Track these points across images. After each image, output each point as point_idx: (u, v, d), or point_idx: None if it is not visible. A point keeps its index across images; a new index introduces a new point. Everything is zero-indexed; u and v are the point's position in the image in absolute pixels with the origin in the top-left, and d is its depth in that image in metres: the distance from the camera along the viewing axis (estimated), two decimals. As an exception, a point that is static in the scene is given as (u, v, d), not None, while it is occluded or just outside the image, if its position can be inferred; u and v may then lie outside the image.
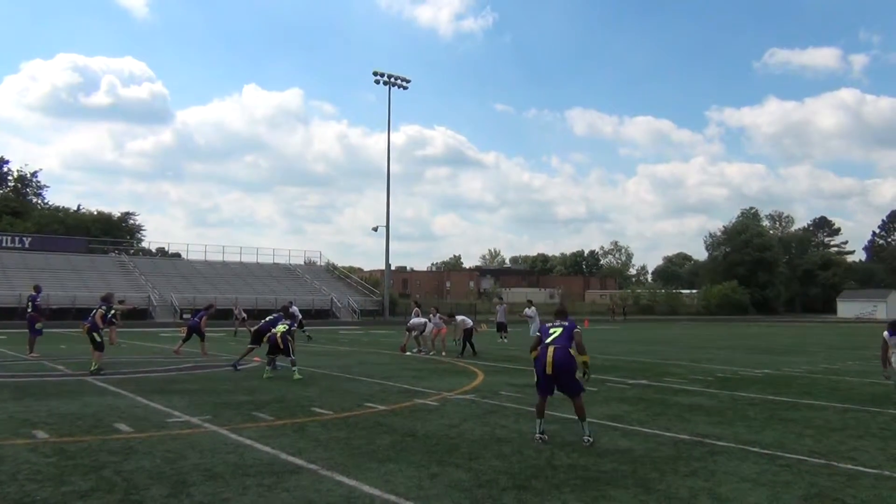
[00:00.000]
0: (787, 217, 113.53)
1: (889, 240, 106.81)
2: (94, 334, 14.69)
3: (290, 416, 9.40)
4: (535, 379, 7.95)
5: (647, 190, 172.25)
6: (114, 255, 58.60)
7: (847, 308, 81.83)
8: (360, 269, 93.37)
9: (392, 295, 59.63)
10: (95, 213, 74.99)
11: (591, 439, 7.72)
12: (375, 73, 54.85)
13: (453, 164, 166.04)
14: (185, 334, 19.45)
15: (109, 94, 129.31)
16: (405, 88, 56.21)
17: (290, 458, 6.88)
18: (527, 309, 26.89)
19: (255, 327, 16.31)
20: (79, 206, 78.04)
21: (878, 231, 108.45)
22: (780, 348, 25.98)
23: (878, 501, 5.77)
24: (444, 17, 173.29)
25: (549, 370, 7.69)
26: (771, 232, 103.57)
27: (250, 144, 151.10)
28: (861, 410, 10.66)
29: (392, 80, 55.20)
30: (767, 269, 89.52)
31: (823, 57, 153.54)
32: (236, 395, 11.30)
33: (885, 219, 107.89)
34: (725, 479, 6.38)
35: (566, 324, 8.09)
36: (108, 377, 13.57)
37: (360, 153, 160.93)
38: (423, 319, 21.28)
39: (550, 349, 7.76)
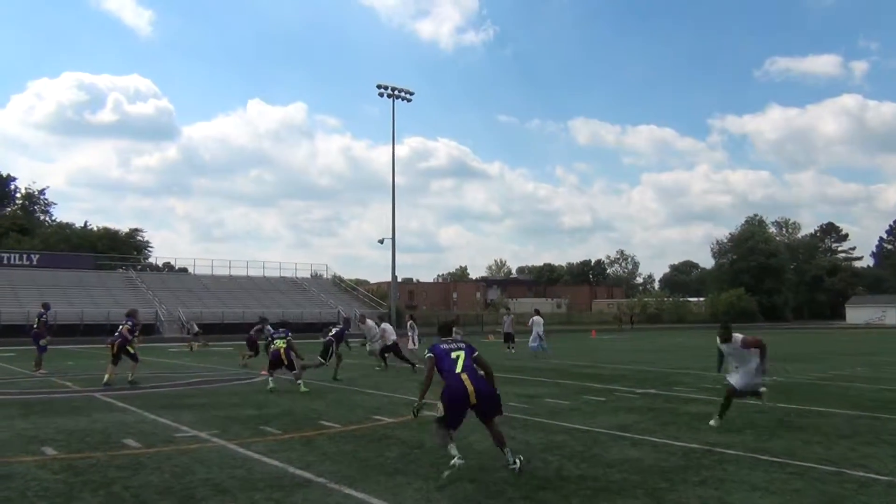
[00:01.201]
0: (794, 223, 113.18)
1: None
2: (128, 348, 15.17)
3: (297, 429, 9.40)
4: (443, 414, 6.81)
5: (652, 198, 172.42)
6: (121, 270, 58.81)
7: (856, 314, 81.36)
8: (366, 282, 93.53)
9: (399, 307, 59.61)
10: (102, 229, 75.30)
11: (518, 464, 6.67)
12: (379, 87, 55.01)
13: (458, 175, 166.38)
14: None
15: (115, 112, 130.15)
16: (409, 101, 56.35)
17: (299, 472, 6.87)
18: (533, 317, 26.62)
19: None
20: (86, 222, 78.62)
21: (885, 236, 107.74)
22: (788, 355, 25.82)
23: (890, 509, 5.73)
24: (445, 30, 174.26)
25: (473, 400, 6.78)
26: (777, 239, 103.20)
27: (255, 159, 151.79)
28: (871, 417, 10.60)
29: (396, 92, 55.36)
30: (774, 275, 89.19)
31: (824, 64, 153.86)
32: (244, 410, 11.29)
33: (892, 224, 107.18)
34: (735, 487, 6.34)
35: (464, 345, 7.23)
36: (115, 393, 13.59)
37: (364, 166, 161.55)
38: (377, 330, 20.25)
39: (465, 377, 6.84)
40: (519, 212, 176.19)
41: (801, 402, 12.30)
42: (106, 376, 14.82)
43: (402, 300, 77.11)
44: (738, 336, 9.90)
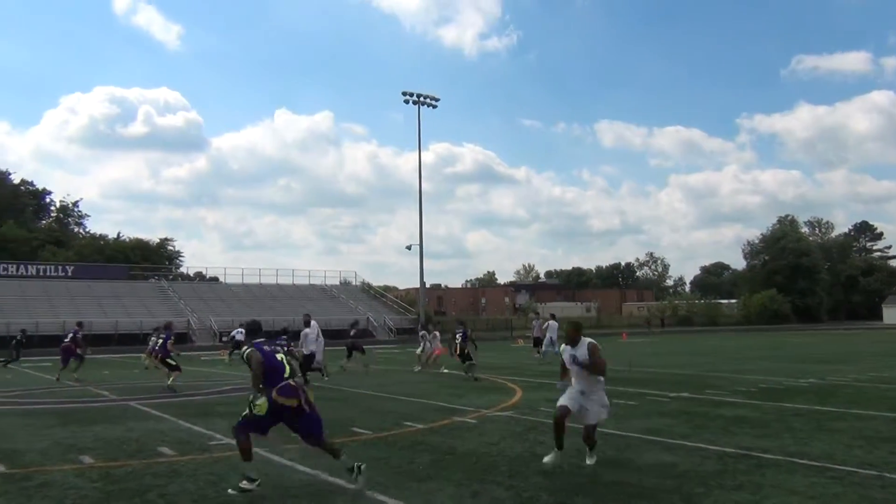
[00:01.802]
0: (827, 223, 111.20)
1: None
2: (168, 360, 16.05)
3: (329, 436, 9.40)
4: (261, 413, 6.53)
5: (680, 200, 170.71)
6: (153, 280, 59.61)
7: (893, 314, 79.73)
8: (395, 288, 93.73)
9: (428, 313, 59.66)
10: (135, 240, 76.42)
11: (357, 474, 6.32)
12: (405, 94, 55.22)
13: (484, 180, 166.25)
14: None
15: (146, 124, 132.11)
16: (434, 107, 56.50)
17: (331, 479, 6.89)
18: (549, 322, 26.24)
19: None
20: (118, 233, 79.68)
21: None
22: (824, 357, 25.39)
23: (934, 513, 5.59)
24: (468, 37, 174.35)
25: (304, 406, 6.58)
26: (811, 238, 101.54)
27: (283, 168, 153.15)
28: (912, 419, 10.37)
29: (421, 99, 55.54)
30: (807, 276, 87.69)
31: (853, 61, 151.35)
32: (276, 417, 11.35)
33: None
34: (773, 492, 6.24)
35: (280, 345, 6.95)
36: (151, 401, 13.76)
37: (390, 173, 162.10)
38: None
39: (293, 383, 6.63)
40: (546, 216, 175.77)
41: (838, 404, 12.07)
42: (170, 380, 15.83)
43: (430, 306, 77.15)
44: (587, 342, 7.37)
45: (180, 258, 79.21)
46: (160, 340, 16.59)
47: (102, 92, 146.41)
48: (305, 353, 17.37)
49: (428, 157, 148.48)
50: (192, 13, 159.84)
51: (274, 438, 9.24)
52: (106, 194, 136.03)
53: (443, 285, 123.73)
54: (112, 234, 78.65)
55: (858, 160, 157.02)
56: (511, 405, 12.54)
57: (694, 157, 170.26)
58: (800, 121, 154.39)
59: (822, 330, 62.84)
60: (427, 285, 73.43)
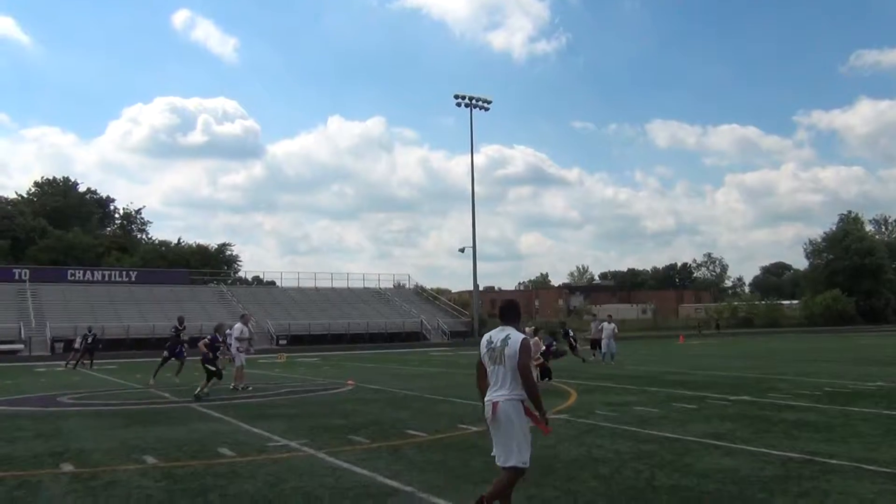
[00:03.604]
0: (894, 221, 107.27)
1: None
2: (208, 365, 15.25)
3: (384, 438, 9.49)
4: None
5: (737, 199, 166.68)
6: (213, 285, 60.92)
7: (966, 315, 76.46)
8: (448, 291, 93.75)
9: (481, 315, 59.60)
10: (195, 245, 78.27)
11: None
12: (457, 97, 55.36)
13: (535, 182, 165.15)
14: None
15: (205, 133, 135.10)
16: (487, 109, 56.52)
17: (387, 481, 6.92)
18: (605, 323, 25.92)
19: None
20: (179, 239, 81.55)
21: None
22: (892, 360, 24.47)
23: None
24: (517, 41, 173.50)
25: None
26: (876, 237, 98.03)
27: (336, 174, 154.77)
28: None
29: (473, 101, 55.61)
30: (872, 276, 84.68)
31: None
32: (332, 419, 11.49)
33: None
34: (841, 500, 6.02)
35: None
36: (211, 403, 14.06)
37: (442, 176, 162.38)
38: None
39: None
40: (599, 217, 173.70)
41: (909, 408, 11.62)
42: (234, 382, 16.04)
43: (484, 308, 77.06)
44: (524, 333, 5.44)
45: (238, 263, 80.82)
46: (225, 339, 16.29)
47: (163, 102, 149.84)
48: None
49: (479, 159, 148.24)
50: (247, 26, 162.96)
51: (331, 440, 9.36)
52: (167, 201, 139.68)
53: (496, 287, 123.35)
54: (173, 240, 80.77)
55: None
56: (566, 408, 12.43)
57: (750, 155, 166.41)
58: (860, 116, 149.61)
59: (890, 331, 60.60)
60: (480, 288, 73.36)
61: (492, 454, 5.29)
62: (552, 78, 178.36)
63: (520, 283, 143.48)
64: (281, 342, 45.90)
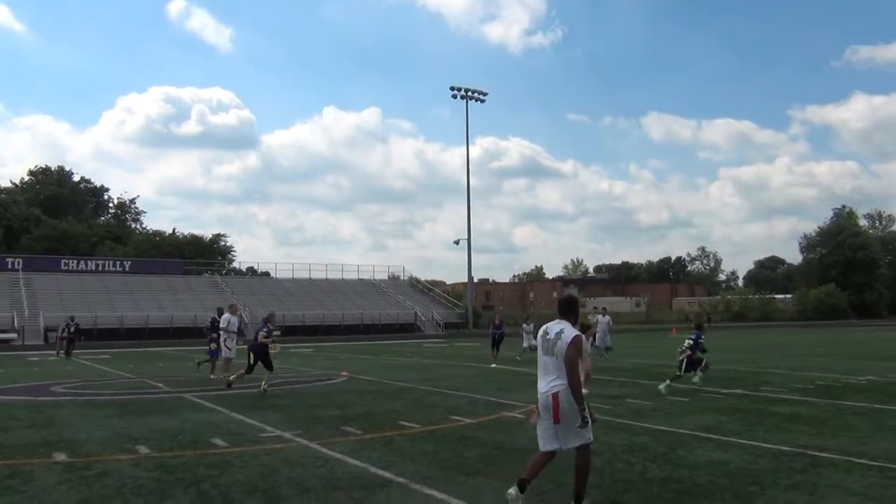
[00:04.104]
0: (888, 216, 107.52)
1: None
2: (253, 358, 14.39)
3: (378, 429, 9.50)
4: None
5: (732, 193, 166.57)
6: (207, 275, 60.82)
7: (958, 309, 76.87)
8: (442, 283, 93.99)
9: (475, 307, 59.69)
10: (189, 235, 78.08)
11: None
12: (453, 88, 55.32)
13: (530, 174, 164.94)
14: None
15: (200, 123, 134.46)
16: (482, 101, 56.48)
17: (380, 472, 6.94)
18: (599, 316, 25.17)
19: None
20: (174, 229, 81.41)
21: None
22: (884, 354, 24.60)
23: None
24: (513, 33, 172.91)
25: None
26: (870, 232, 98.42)
27: (331, 165, 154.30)
28: (979, 419, 9.98)
29: (469, 94, 55.54)
30: (865, 270, 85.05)
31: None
32: (326, 410, 11.51)
33: None
34: (830, 493, 6.07)
35: None
36: (204, 393, 14.06)
37: (437, 168, 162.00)
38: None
39: None
40: (594, 210, 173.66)
41: (900, 402, 11.69)
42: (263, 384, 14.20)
43: (478, 301, 77.17)
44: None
45: (232, 253, 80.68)
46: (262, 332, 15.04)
47: (157, 92, 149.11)
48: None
49: (474, 151, 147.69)
50: (243, 15, 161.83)
51: (324, 431, 9.37)
52: (161, 191, 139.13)
53: (490, 280, 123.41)
54: (168, 231, 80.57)
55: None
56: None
57: (745, 149, 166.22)
58: (855, 111, 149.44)
59: (883, 326, 60.90)
60: (475, 280, 73.43)
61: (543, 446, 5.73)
62: (548, 70, 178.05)
63: (514, 276, 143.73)
64: (275, 333, 45.83)
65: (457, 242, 57.88)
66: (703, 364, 13.91)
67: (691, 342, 13.84)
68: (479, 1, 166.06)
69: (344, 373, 18.44)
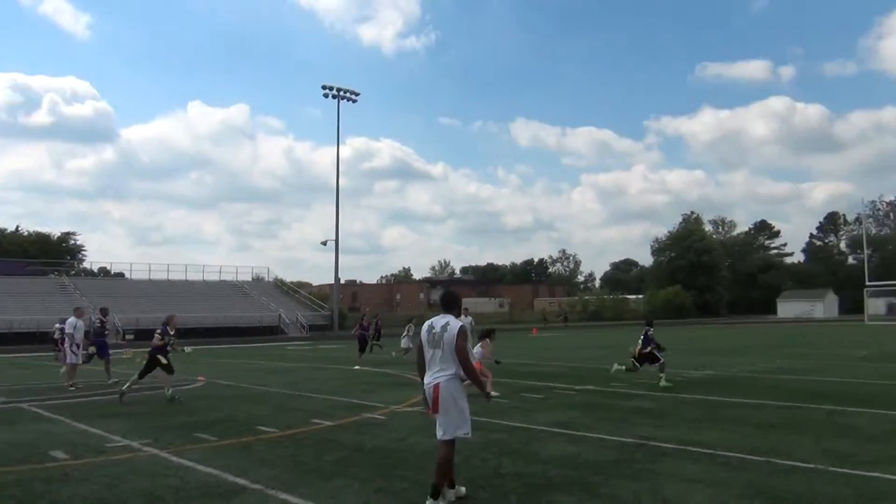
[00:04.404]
0: (730, 222, 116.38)
1: (826, 241, 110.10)
2: (158, 356, 13.49)
3: (234, 435, 9.24)
4: None
5: (592, 199, 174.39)
6: (53, 276, 56.84)
7: (787, 308, 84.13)
8: (308, 284, 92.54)
9: (341, 309, 59.24)
10: (34, 233, 72.69)
11: None
12: (324, 87, 54.62)
13: (401, 176, 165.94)
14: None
15: (51, 113, 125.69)
16: (354, 101, 56.05)
17: (234, 479, 6.75)
18: (462, 316, 25.97)
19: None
20: (17, 227, 75.51)
21: (815, 233, 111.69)
22: (721, 349, 26.59)
23: (811, 495, 5.94)
24: (387, 35, 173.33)
25: None
26: (714, 237, 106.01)
27: (195, 161, 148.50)
28: (799, 407, 10.98)
29: (341, 93, 55.04)
30: (708, 272, 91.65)
31: (753, 69, 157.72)
32: (179, 417, 11.05)
33: (821, 221, 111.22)
34: (668, 480, 6.49)
35: None
36: (44, 403, 13.14)
37: (307, 167, 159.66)
38: None
39: None
40: (462, 213, 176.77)
41: (733, 394, 12.65)
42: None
43: (345, 302, 76.66)
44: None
45: (83, 253, 75.93)
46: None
47: (4, 79, 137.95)
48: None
49: (345, 151, 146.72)
50: (102, 2, 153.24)
51: (175, 439, 9.00)
52: (5, 185, 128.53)
53: (358, 281, 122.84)
54: (10, 228, 74.59)
55: (758, 162, 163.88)
56: (419, 400, 12.55)
57: (605, 157, 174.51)
58: (703, 124, 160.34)
59: (721, 324, 65.76)
60: (342, 281, 72.85)
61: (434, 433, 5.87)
62: (420, 73, 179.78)
63: (382, 277, 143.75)
64: (128, 337, 43.55)
65: (324, 243, 57.14)
66: (661, 362, 14.54)
67: (643, 339, 14.75)
68: (354, 1, 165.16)
69: (201, 378, 17.79)
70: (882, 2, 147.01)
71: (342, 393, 14.05)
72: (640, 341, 14.85)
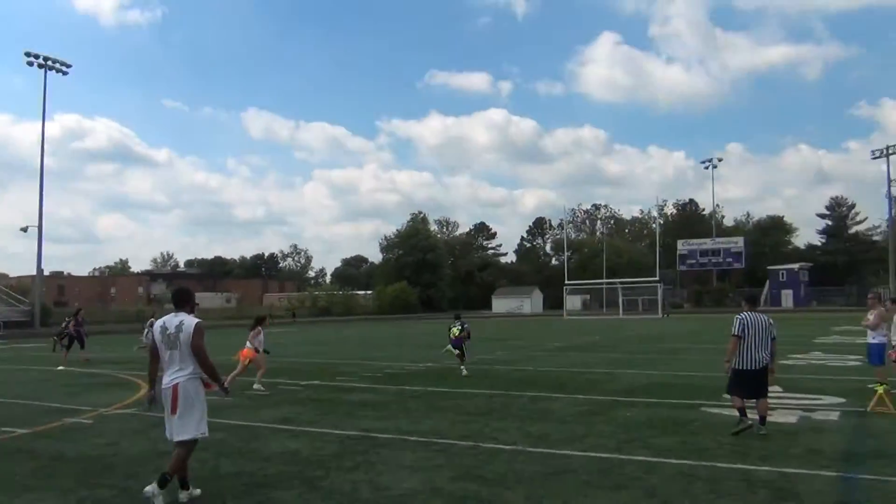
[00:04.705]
0: (454, 223, 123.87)
1: (534, 243, 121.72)
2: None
3: None
4: None
5: (325, 195, 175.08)
6: None
7: (500, 304, 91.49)
8: (5, 276, 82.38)
9: (45, 304, 53.30)
10: None
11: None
12: (28, 55, 48.48)
13: (119, 159, 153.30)
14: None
15: None
16: (65, 74, 50.48)
17: None
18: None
19: None
20: None
21: (525, 235, 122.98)
22: (439, 343, 28.15)
23: (511, 473, 6.58)
24: (106, 5, 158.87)
25: None
26: (439, 236, 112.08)
27: None
28: (505, 395, 12.02)
29: (49, 63, 49.32)
30: (432, 269, 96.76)
31: (476, 81, 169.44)
32: None
33: (531, 225, 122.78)
34: (385, 469, 6.78)
35: None
36: None
37: (3, 144, 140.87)
38: None
39: None
40: (188, 202, 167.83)
41: (449, 385, 13.50)
42: None
43: (49, 296, 69.29)
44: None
45: None
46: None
47: None
48: None
49: (52, 128, 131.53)
50: None
51: None
52: None
53: (66, 273, 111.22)
54: None
55: (479, 168, 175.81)
56: (134, 401, 11.75)
57: (338, 153, 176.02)
58: (430, 129, 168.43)
59: (443, 319, 69.75)
60: (46, 273, 65.65)
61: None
62: (144, 51, 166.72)
63: (95, 269, 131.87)
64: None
65: (25, 230, 50.89)
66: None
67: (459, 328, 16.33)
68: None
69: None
70: (585, 32, 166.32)
71: (42, 396, 12.68)
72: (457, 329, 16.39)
